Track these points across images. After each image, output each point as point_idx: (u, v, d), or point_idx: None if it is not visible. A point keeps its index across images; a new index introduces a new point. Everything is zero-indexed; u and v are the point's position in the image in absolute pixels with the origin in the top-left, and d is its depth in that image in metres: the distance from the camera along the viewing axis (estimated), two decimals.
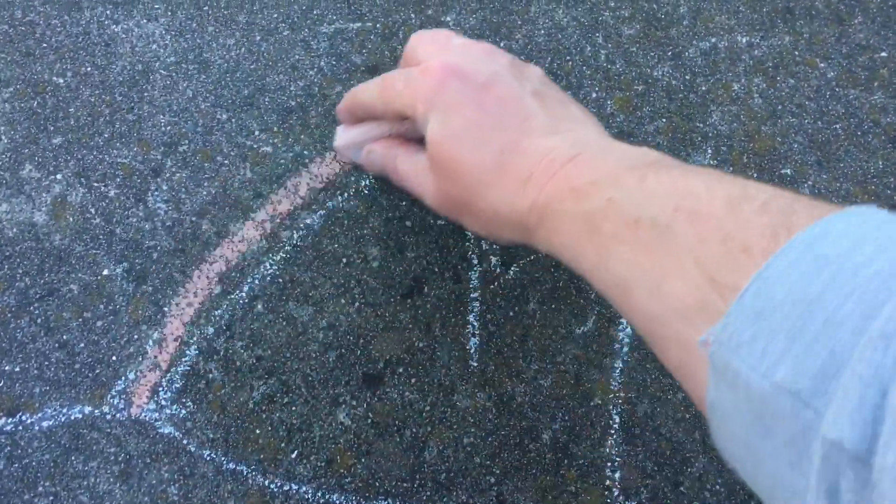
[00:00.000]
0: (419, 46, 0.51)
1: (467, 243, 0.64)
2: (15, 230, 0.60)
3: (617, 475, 0.59)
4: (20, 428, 0.54)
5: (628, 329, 0.63)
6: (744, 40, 0.76)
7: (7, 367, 0.55)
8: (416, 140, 0.52)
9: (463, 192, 0.47)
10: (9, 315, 0.57)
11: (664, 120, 0.71)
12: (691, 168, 0.40)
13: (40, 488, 0.53)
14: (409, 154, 0.52)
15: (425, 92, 0.47)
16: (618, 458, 0.59)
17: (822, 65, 0.76)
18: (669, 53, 0.74)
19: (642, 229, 0.36)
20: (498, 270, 0.63)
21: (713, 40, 0.76)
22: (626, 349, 0.62)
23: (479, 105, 0.45)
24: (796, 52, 0.76)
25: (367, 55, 0.70)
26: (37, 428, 0.55)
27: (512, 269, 0.64)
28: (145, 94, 0.65)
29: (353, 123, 0.58)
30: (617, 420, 0.60)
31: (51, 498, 0.53)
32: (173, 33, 0.69)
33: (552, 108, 0.47)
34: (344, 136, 0.58)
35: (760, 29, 0.77)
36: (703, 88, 0.73)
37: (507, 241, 0.49)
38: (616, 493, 0.58)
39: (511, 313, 0.62)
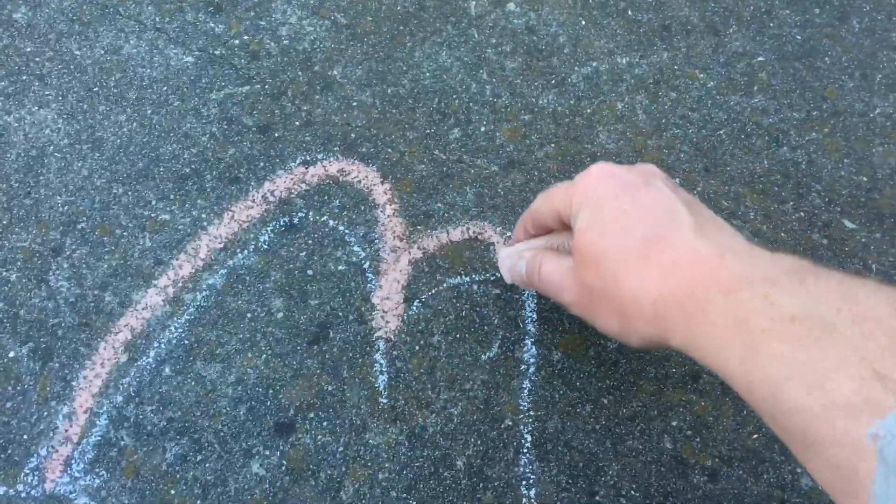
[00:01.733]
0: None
1: (369, 285, 0.66)
2: None
3: (532, 492, 0.60)
4: None
5: (533, 349, 0.65)
6: (624, 61, 0.80)
7: None
8: (567, 252, 0.54)
9: (604, 280, 0.46)
10: None
11: (552, 145, 0.74)
12: (851, 275, 0.38)
13: None
14: (555, 257, 0.53)
15: (582, 189, 0.48)
16: (532, 476, 0.61)
17: (702, 76, 0.79)
18: (553, 81, 0.78)
19: (802, 326, 0.35)
20: (400, 307, 0.65)
21: (594, 64, 0.79)
22: (532, 369, 0.64)
23: (631, 199, 0.46)
24: (675, 67, 0.80)
25: (258, 116, 0.73)
26: None
27: (414, 304, 0.66)
28: (41, 177, 0.67)
29: (524, 237, 0.60)
30: (528, 439, 0.62)
31: None
32: (65, 116, 0.71)
33: (701, 214, 0.47)
34: (503, 251, 0.61)
35: (639, 48, 0.81)
36: (589, 111, 0.76)
37: (640, 338, 0.46)
38: None
39: (416, 347, 0.64)
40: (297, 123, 0.73)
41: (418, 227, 0.69)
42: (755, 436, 0.63)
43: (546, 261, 0.53)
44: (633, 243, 0.45)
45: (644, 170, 0.50)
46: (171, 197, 0.67)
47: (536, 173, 0.72)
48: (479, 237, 0.70)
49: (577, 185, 0.49)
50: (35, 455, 0.57)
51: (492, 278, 0.69)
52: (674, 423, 0.64)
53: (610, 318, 0.48)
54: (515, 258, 0.58)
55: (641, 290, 0.44)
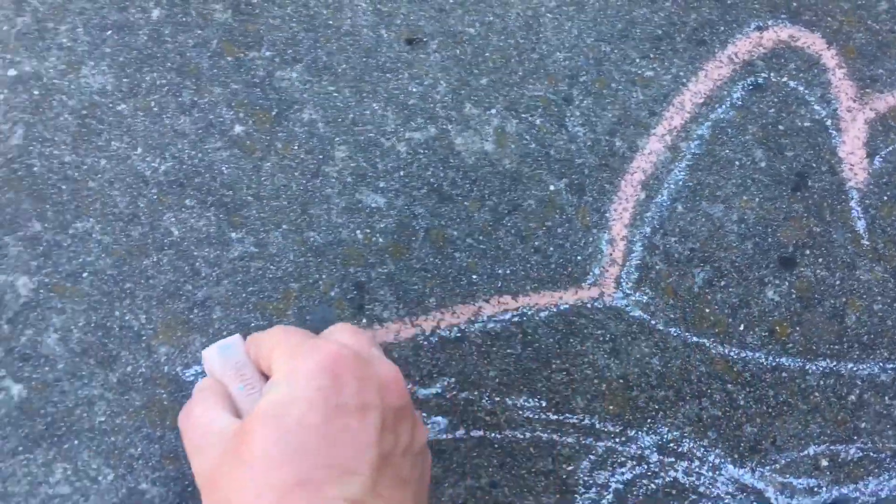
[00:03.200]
0: (344, 330, 0.46)
1: (833, 140, 0.73)
2: (473, 158, 0.70)
3: None
4: (525, 318, 0.65)
5: None
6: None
7: (500, 271, 0.66)
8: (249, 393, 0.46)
9: (222, 488, 0.39)
10: (489, 228, 0.67)
11: None
12: None
13: (553, 365, 0.64)
14: (221, 406, 0.44)
15: (301, 362, 0.41)
16: None
17: None
18: None
19: None
20: (864, 162, 0.72)
21: None
22: None
23: (325, 420, 0.38)
24: None
25: None
26: (537, 318, 0.65)
27: (876, 159, 0.72)
28: (540, 34, 0.75)
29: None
30: None
31: (564, 373, 0.64)
32: None
33: (392, 468, 0.40)
34: (215, 351, 0.49)
35: None
36: None
37: None
38: None
39: (885, 197, 0.71)
40: None
41: (867, 90, 0.75)
42: None
43: (209, 404, 0.44)
44: (281, 478, 0.36)
45: (380, 389, 0.41)
46: (651, 56, 0.74)
47: None
48: None
49: (294, 360, 0.41)
50: (591, 273, 0.66)
51: None
52: None
53: None
54: (205, 378, 0.49)
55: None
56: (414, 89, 0.70)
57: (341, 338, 0.44)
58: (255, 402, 0.42)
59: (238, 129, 0.66)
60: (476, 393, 0.62)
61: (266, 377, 0.47)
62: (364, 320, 0.63)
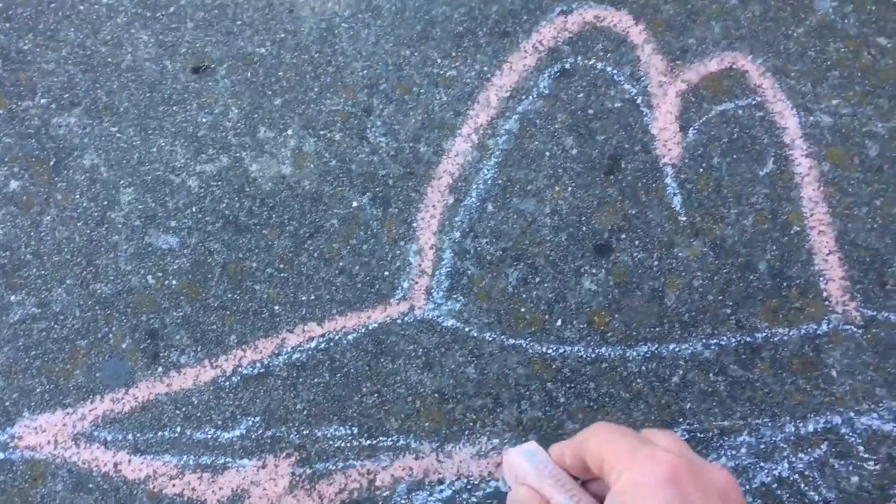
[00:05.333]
0: (660, 434, 0.44)
1: (645, 118, 0.71)
2: (270, 184, 0.67)
3: (829, 286, 0.66)
4: (332, 344, 0.62)
5: (804, 162, 0.70)
6: None
7: (303, 298, 0.63)
8: None
9: None
10: (290, 255, 0.64)
11: None
12: None
13: (364, 389, 0.62)
14: None
15: (641, 474, 0.40)
16: (826, 272, 0.67)
17: None
18: None
19: None
20: (678, 136, 0.70)
21: None
22: (805, 180, 0.69)
23: None
24: None
25: None
26: (344, 342, 0.63)
27: (690, 131, 0.71)
28: (336, 46, 0.72)
29: (557, 461, 0.47)
30: (817, 240, 0.68)
31: (375, 395, 0.62)
32: None
33: None
34: (522, 458, 0.46)
35: None
36: None
37: None
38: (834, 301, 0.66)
39: (700, 170, 0.69)
40: None
41: (677, 63, 0.73)
42: None
43: None
44: None
45: (721, 495, 0.41)
46: (453, 55, 0.72)
47: (773, 2, 0.75)
48: (734, 66, 0.74)
49: (640, 464, 0.41)
50: (399, 288, 0.64)
51: (753, 103, 0.73)
52: None
53: None
54: (516, 488, 0.47)
55: None
56: (203, 119, 0.67)
57: (665, 443, 0.43)
58: None
59: (13, 184, 0.62)
60: (283, 429, 0.59)
61: (574, 478, 0.45)
62: (160, 369, 0.60)
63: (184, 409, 0.56)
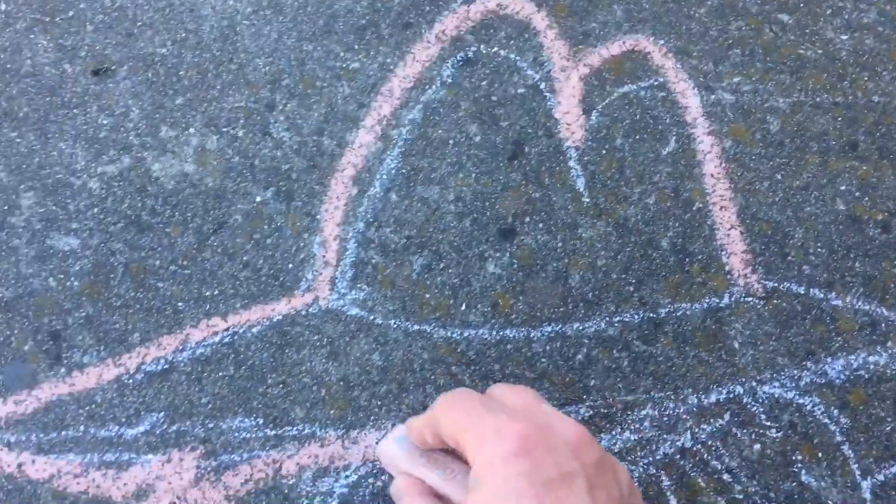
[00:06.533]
0: (508, 393, 0.46)
1: (548, 103, 0.72)
2: (172, 182, 0.67)
3: (731, 259, 0.68)
4: (236, 337, 0.63)
5: (705, 140, 0.71)
6: None
7: (207, 293, 0.64)
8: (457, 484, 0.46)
9: None
10: (193, 251, 0.65)
11: None
12: None
13: (269, 380, 0.62)
14: None
15: (489, 460, 0.40)
16: (728, 247, 0.68)
17: None
18: None
19: None
20: (581, 119, 0.71)
21: None
22: (707, 157, 0.71)
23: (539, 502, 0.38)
24: None
25: None
26: (249, 335, 0.63)
27: (593, 114, 0.72)
28: (238, 43, 0.73)
29: (420, 444, 0.49)
30: (718, 215, 0.69)
31: (280, 386, 0.62)
32: None
33: None
34: (393, 446, 0.50)
35: None
36: None
37: None
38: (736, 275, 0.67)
39: (603, 151, 0.71)
40: None
41: (580, 47, 0.74)
42: None
43: None
44: None
45: (575, 446, 0.42)
46: (356, 47, 0.72)
47: None
48: (636, 49, 0.75)
49: (488, 440, 0.41)
50: (304, 279, 0.65)
51: (655, 83, 0.74)
52: (843, 188, 0.71)
53: None
54: (396, 479, 0.49)
55: None
56: (104, 121, 0.68)
57: (512, 403, 0.45)
58: (459, 484, 0.44)
59: None
60: (188, 423, 0.60)
61: (445, 450, 0.47)
62: (63, 369, 0.60)
63: (87, 407, 0.56)
